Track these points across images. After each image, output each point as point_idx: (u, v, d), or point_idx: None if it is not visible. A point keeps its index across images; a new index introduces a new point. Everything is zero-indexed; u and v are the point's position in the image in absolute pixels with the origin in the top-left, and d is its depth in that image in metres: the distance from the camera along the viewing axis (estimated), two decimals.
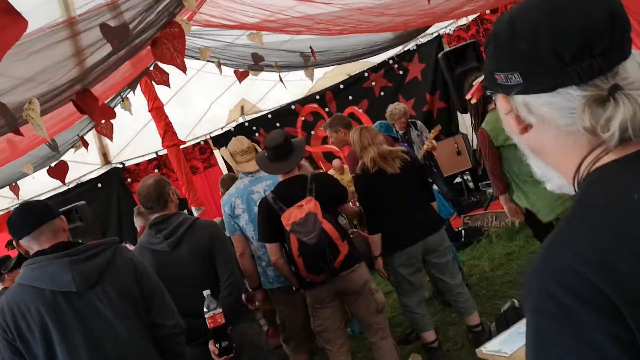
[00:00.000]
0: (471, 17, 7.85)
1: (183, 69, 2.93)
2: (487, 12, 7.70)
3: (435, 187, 6.87)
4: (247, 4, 3.76)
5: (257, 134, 9.77)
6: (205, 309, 2.85)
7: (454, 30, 8.34)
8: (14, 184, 5.33)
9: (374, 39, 5.87)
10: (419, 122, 7.09)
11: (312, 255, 3.42)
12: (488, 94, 1.05)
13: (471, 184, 8.85)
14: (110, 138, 3.60)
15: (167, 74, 4.23)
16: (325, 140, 9.44)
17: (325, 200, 3.54)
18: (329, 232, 3.45)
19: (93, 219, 6.29)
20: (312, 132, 9.56)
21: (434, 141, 6.51)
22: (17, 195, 5.49)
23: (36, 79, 2.58)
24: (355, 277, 3.61)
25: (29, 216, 2.47)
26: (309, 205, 3.46)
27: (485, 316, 4.47)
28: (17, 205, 2.64)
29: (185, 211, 5.43)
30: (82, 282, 2.37)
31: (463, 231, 6.84)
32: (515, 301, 4.04)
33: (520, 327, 2.10)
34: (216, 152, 9.57)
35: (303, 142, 3.98)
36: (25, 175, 4.86)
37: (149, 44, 2.79)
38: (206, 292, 2.88)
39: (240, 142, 4.07)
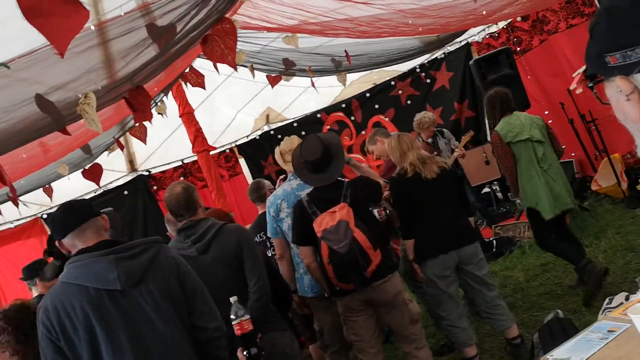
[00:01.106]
0: (502, 24, 7.76)
1: (234, 66, 2.89)
2: (518, 19, 7.61)
3: None
4: (286, 4, 3.72)
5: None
6: (232, 316, 2.75)
7: (484, 38, 8.25)
8: (47, 185, 5.34)
9: (406, 44, 5.83)
10: (445, 130, 7.04)
11: (343, 264, 3.37)
12: (591, 84, 0.97)
13: (500, 194, 8.72)
14: (144, 141, 3.56)
15: (203, 76, 4.21)
16: (350, 149, 9.37)
17: (360, 206, 3.48)
18: (361, 241, 3.38)
19: (121, 226, 6.28)
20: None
21: (463, 148, 6.45)
22: (51, 197, 5.49)
23: (82, 80, 2.57)
24: (388, 288, 3.53)
25: (73, 213, 2.44)
26: (341, 212, 3.40)
27: (523, 328, 4.36)
28: (56, 207, 2.60)
29: None
30: (126, 280, 2.32)
31: (494, 241, 6.70)
32: (560, 312, 3.90)
33: (587, 334, 1.99)
34: (241, 161, 9.57)
35: (339, 143, 3.83)
36: (60, 176, 4.87)
37: (199, 42, 2.75)
38: (233, 299, 2.80)
39: (290, 142, 4.05)
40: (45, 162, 3.93)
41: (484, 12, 4.22)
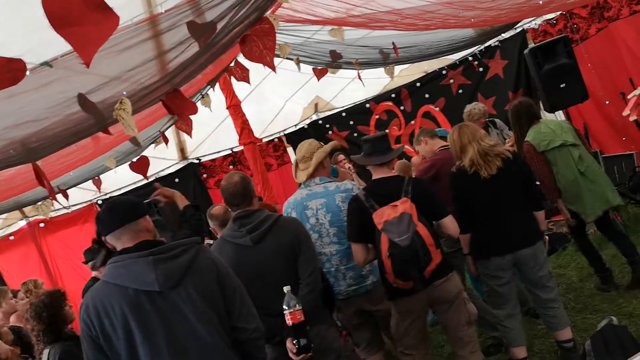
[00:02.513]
0: (559, 11, 7.42)
1: (272, 67, 2.85)
2: None
3: None
4: None
5: (330, 132, 9.68)
6: (285, 306, 2.79)
7: (540, 25, 7.90)
8: (96, 177, 5.48)
9: (457, 35, 5.63)
10: (497, 120, 6.82)
11: (403, 258, 3.21)
12: None
13: None
14: (190, 134, 3.57)
15: (248, 70, 4.19)
16: (398, 140, 9.23)
17: (421, 206, 3.34)
18: (424, 236, 3.24)
19: (172, 214, 6.38)
20: (387, 131, 9.36)
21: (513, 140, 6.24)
22: (99, 189, 5.63)
23: (123, 78, 2.58)
24: (450, 286, 3.42)
25: (116, 214, 2.46)
26: (404, 205, 3.28)
27: (575, 331, 4.16)
28: (105, 200, 2.65)
29: None
30: (165, 282, 2.32)
31: (547, 237, 6.44)
32: (614, 318, 3.72)
33: None
34: (289, 150, 9.57)
35: (400, 149, 3.90)
36: (108, 169, 4.98)
37: (238, 42, 2.72)
38: (286, 288, 2.83)
39: (300, 149, 3.93)
40: (94, 154, 4.02)
41: (540, 2, 4.00)
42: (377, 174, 3.57)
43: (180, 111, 2.66)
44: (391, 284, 3.39)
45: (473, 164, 3.74)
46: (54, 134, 2.50)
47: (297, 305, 2.78)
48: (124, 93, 2.75)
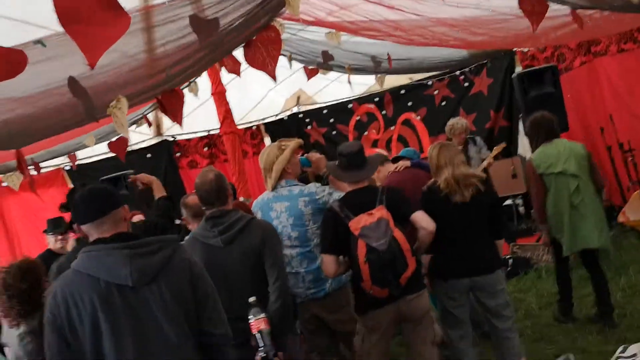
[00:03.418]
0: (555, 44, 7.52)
1: (273, 76, 2.80)
2: None
3: None
4: (333, 3, 3.60)
5: (309, 127, 9.67)
6: (250, 315, 2.79)
7: (529, 50, 8.00)
8: (72, 153, 5.33)
9: (451, 54, 5.65)
10: (477, 138, 6.93)
11: (380, 263, 3.23)
12: None
13: (522, 209, 8.54)
14: (181, 125, 3.45)
15: (239, 64, 4.12)
16: (375, 143, 9.26)
17: (396, 213, 3.38)
18: (400, 241, 3.28)
19: (141, 194, 6.28)
20: (365, 133, 9.39)
21: (492, 160, 6.34)
22: (74, 165, 5.47)
23: (116, 65, 2.50)
24: (420, 303, 3.45)
25: (94, 204, 2.39)
26: (380, 212, 3.32)
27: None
28: (83, 189, 2.56)
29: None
30: (139, 278, 2.28)
31: (511, 260, 6.58)
32: (572, 356, 3.80)
33: None
34: (267, 139, 9.52)
35: (378, 159, 3.82)
36: (85, 147, 4.85)
37: (241, 46, 2.66)
38: (252, 299, 2.83)
39: (260, 158, 3.89)
40: (74, 133, 3.90)
41: (536, 32, 4.04)
42: (351, 186, 3.58)
43: (175, 112, 2.60)
44: (364, 295, 3.40)
45: (447, 186, 3.77)
46: (40, 117, 2.41)
47: (260, 314, 2.78)
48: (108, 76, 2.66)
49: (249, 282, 3.07)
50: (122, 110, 2.21)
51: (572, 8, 3.75)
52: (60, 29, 2.06)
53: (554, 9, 3.58)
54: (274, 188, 3.84)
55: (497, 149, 6.32)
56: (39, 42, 2.36)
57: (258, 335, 2.80)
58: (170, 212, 3.84)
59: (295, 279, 3.78)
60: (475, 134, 7.72)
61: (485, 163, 6.21)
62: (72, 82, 2.39)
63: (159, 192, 3.76)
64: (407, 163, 4.68)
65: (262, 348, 2.79)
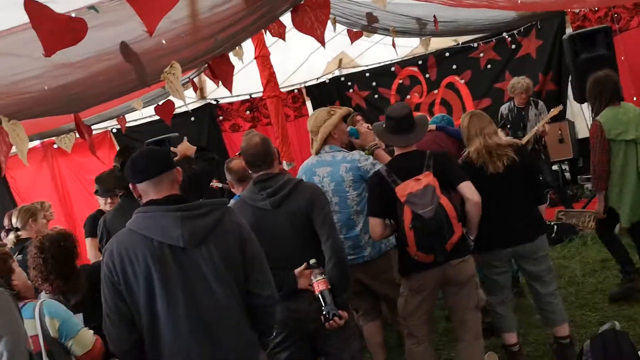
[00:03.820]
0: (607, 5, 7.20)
1: (322, 41, 2.78)
2: None
3: None
4: None
5: (351, 90, 9.60)
6: (312, 277, 2.94)
7: (581, 10, 7.68)
8: (121, 116, 5.45)
9: (499, 16, 5.48)
10: (540, 102, 6.88)
11: (426, 230, 3.25)
12: None
13: (568, 175, 8.38)
14: (230, 90, 3.45)
15: (284, 27, 4.09)
16: (417, 107, 9.12)
17: (443, 178, 3.36)
18: (447, 208, 3.27)
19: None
20: (408, 97, 9.26)
21: (547, 126, 6.28)
22: (124, 129, 5.59)
23: (164, 30, 2.52)
24: (466, 268, 3.47)
25: (154, 162, 2.47)
26: (427, 178, 3.30)
27: (573, 327, 4.23)
28: (141, 149, 2.64)
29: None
30: (190, 239, 2.36)
31: (555, 226, 6.48)
32: (617, 323, 3.76)
33: None
34: (308, 103, 9.50)
35: (426, 120, 3.78)
36: (133, 110, 4.96)
37: (290, 11, 2.65)
38: (312, 261, 2.97)
39: (309, 120, 3.90)
40: (125, 98, 3.99)
41: None
42: (399, 150, 3.58)
43: (225, 77, 2.62)
44: (409, 259, 3.42)
45: (479, 156, 3.73)
46: (96, 83, 2.48)
47: (319, 275, 2.91)
48: (163, 42, 2.70)
49: (297, 244, 3.11)
50: (176, 76, 2.25)
51: None
52: None
53: None
54: (317, 152, 3.87)
55: (553, 112, 6.23)
56: (92, 7, 2.40)
57: (321, 295, 2.91)
58: (213, 162, 3.86)
59: None
60: None
61: (535, 129, 6.16)
62: (124, 47, 2.44)
63: (189, 150, 3.79)
64: (433, 127, 4.59)
65: (325, 308, 2.90)
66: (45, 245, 3.12)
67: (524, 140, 6.63)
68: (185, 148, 3.79)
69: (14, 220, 4.38)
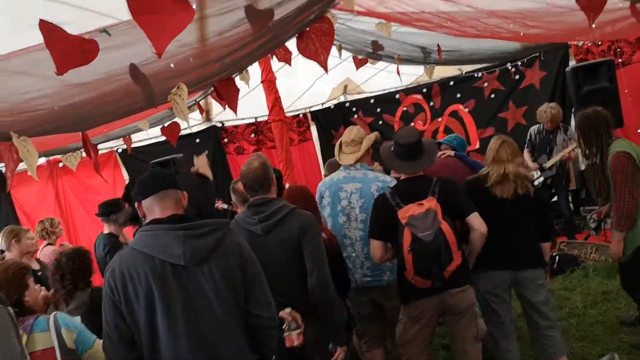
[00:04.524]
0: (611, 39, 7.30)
1: (325, 67, 2.84)
2: None
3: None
4: None
5: (355, 116, 9.68)
6: (284, 326, 2.85)
7: (584, 43, 7.77)
8: (127, 136, 5.52)
9: (502, 46, 5.57)
10: (570, 128, 6.88)
11: (424, 254, 3.24)
12: None
13: (571, 205, 8.36)
14: (235, 112, 3.51)
15: (290, 53, 4.17)
16: (421, 135, 9.15)
17: (447, 206, 3.36)
18: (447, 234, 3.27)
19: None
20: (412, 124, 9.33)
21: (574, 152, 6.34)
22: (129, 148, 5.64)
23: (172, 52, 2.59)
24: (464, 298, 3.45)
25: (159, 179, 2.52)
26: (430, 203, 3.31)
27: (572, 359, 4.20)
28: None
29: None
30: (191, 257, 2.38)
31: (557, 257, 6.47)
32: (616, 356, 3.74)
33: None
34: (312, 128, 9.59)
35: (434, 145, 3.80)
36: (140, 130, 5.02)
37: (295, 36, 2.72)
38: (287, 310, 2.89)
39: (349, 132, 3.96)
40: (132, 119, 4.06)
41: (593, 26, 3.93)
42: (405, 175, 3.60)
43: (230, 99, 2.67)
44: (408, 285, 3.40)
45: (501, 179, 3.68)
46: (104, 103, 2.53)
47: (298, 328, 2.85)
48: (172, 65, 2.76)
49: (288, 270, 3.10)
50: (182, 97, 2.30)
51: (632, 2, 3.65)
52: (124, 17, 2.17)
53: (612, 2, 3.49)
54: (346, 168, 3.91)
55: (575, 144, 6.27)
56: (104, 31, 2.47)
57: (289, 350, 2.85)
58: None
59: (354, 263, 3.84)
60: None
61: (561, 154, 6.27)
62: (133, 69, 2.50)
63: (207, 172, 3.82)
64: (451, 153, 4.59)
65: None
66: (62, 262, 3.22)
67: (549, 163, 6.72)
68: (203, 166, 3.80)
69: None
